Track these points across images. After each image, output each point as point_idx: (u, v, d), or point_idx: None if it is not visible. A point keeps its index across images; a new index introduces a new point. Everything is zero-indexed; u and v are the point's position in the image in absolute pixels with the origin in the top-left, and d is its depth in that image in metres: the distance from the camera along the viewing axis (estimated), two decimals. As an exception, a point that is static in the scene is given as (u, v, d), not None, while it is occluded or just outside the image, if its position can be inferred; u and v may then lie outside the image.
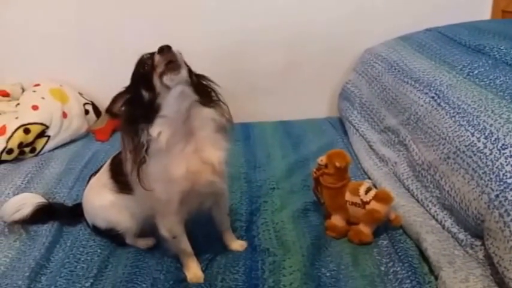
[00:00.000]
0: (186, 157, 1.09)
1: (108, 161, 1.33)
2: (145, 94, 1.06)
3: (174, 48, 1.04)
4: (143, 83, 1.06)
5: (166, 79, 1.03)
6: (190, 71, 1.09)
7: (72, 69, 2.28)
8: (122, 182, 1.23)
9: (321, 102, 2.41)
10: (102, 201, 1.30)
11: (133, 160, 1.07)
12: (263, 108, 2.18)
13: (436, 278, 1.10)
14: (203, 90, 1.13)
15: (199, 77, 1.14)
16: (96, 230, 1.37)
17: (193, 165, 1.10)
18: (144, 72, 1.06)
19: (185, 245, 1.20)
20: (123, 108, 1.10)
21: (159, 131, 1.05)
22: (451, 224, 1.25)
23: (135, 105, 1.08)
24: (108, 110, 1.12)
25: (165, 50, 1.03)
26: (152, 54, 1.06)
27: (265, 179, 1.68)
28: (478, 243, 1.15)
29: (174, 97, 1.05)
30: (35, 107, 2.04)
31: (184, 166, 1.09)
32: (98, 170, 1.39)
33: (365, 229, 1.29)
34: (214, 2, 2.20)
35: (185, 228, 1.20)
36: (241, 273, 1.20)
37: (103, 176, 1.32)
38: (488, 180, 1.09)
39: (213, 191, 1.19)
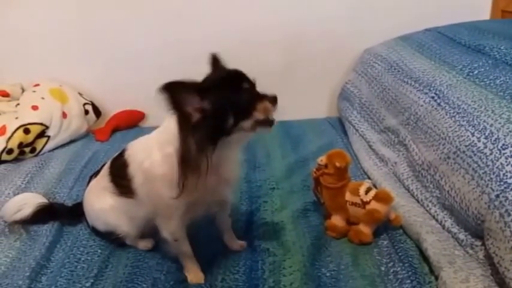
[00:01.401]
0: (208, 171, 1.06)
1: (108, 164, 1.32)
2: (231, 121, 1.00)
3: None
4: (236, 110, 1.00)
5: (260, 129, 1.04)
6: None
7: (72, 69, 2.28)
8: (122, 186, 1.22)
9: (320, 102, 2.41)
10: (102, 204, 1.29)
11: (189, 169, 1.01)
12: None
13: (437, 278, 1.10)
14: None
15: None
16: (95, 231, 1.37)
17: (211, 180, 1.07)
18: (244, 106, 1.02)
19: (186, 247, 1.20)
20: (196, 113, 0.97)
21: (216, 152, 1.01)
22: (451, 224, 1.25)
23: (216, 122, 0.99)
24: (179, 106, 0.94)
25: (276, 102, 1.04)
26: (251, 86, 1.06)
27: (265, 179, 1.68)
28: (479, 243, 1.14)
29: (247, 137, 1.07)
30: (34, 107, 2.04)
31: (203, 180, 1.06)
32: (98, 171, 1.38)
33: (365, 229, 1.29)
34: (214, 2, 2.20)
35: (186, 230, 1.19)
36: (242, 273, 1.20)
37: (103, 179, 1.31)
38: (488, 180, 1.10)
39: (221, 199, 1.20)
